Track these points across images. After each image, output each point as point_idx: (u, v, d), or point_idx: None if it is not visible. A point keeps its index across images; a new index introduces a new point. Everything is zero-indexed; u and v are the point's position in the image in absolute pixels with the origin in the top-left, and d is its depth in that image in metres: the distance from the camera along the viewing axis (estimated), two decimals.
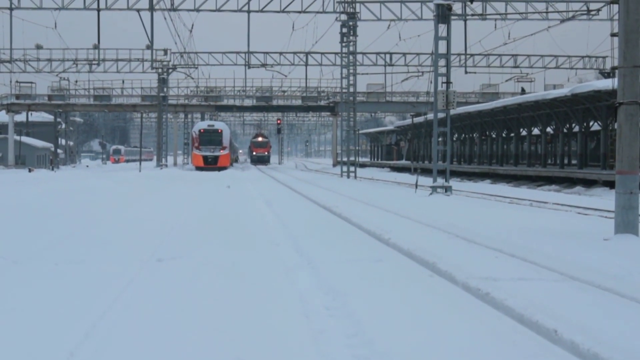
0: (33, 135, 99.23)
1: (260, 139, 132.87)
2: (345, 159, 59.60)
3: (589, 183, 41.10)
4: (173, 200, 28.88)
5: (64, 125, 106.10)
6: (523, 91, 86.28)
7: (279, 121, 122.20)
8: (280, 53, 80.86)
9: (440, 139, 35.67)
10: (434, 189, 32.27)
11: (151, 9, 67.60)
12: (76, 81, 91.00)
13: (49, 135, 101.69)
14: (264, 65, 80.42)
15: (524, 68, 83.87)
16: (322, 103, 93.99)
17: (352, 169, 57.36)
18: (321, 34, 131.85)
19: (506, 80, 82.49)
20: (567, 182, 43.89)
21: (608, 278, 10.81)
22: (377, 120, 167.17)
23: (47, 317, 8.54)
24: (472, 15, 64.16)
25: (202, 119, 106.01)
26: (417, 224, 19.41)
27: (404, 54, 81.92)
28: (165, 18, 61.79)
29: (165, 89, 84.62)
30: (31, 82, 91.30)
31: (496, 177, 54.88)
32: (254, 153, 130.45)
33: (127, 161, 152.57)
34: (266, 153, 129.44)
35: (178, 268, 12.06)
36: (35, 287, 10.41)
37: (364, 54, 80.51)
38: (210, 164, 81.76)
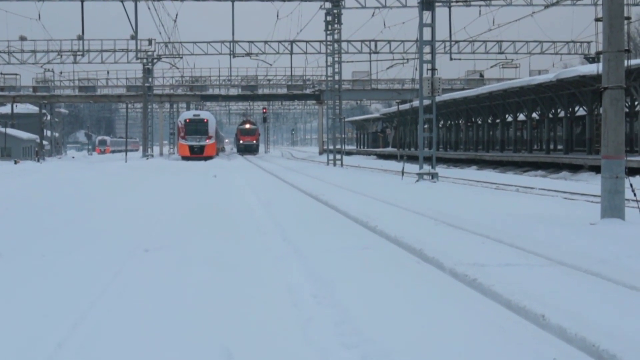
0: (18, 127, 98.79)
1: (247, 126, 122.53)
2: (331, 147, 59.54)
3: (575, 168, 41.21)
4: (159, 191, 28.81)
5: (49, 117, 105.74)
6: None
7: (264, 110, 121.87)
8: (265, 42, 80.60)
9: (426, 126, 35.63)
10: (420, 175, 32.29)
11: None
12: (61, 72, 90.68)
13: (34, 126, 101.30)
14: (248, 54, 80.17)
15: (509, 54, 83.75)
16: (308, 91, 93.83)
17: (338, 157, 57.33)
18: (306, 22, 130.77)
19: (491, 67, 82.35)
20: (553, 168, 43.99)
21: (595, 262, 10.83)
22: (362, 107, 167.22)
23: (34, 308, 8.52)
24: (457, 1, 64.11)
25: (188, 108, 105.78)
26: (403, 210, 19.43)
27: (389, 42, 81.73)
28: (149, 8, 61.46)
29: (150, 79, 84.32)
30: (15, 74, 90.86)
31: (482, 164, 54.96)
32: (241, 142, 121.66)
33: (113, 152, 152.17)
34: (254, 142, 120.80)
35: (165, 258, 12.04)
36: (22, 278, 10.37)
37: (348, 41, 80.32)
38: (197, 154, 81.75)
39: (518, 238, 13.40)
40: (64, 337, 7.41)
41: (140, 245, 13.39)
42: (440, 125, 77.39)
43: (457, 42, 79.76)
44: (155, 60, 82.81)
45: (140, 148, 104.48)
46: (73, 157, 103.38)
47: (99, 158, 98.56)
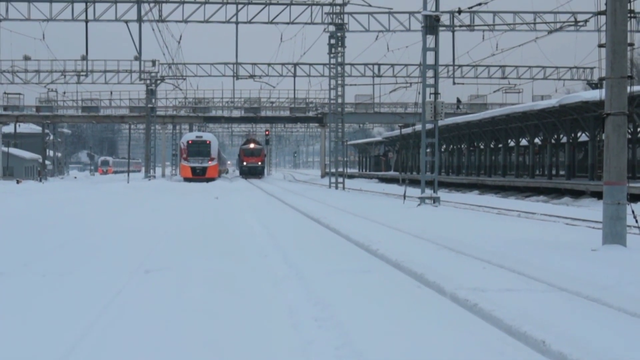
0: (21, 147, 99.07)
1: (252, 145, 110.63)
2: (333, 170, 59.58)
3: (576, 194, 41.18)
4: (161, 212, 28.81)
5: (52, 137, 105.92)
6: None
7: (267, 132, 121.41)
8: (269, 64, 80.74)
9: (428, 150, 35.65)
10: (422, 199, 32.25)
11: (139, 20, 67.40)
12: (64, 92, 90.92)
13: (37, 146, 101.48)
14: (252, 76, 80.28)
15: (512, 79, 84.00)
16: (310, 114, 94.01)
17: (340, 180, 57.31)
18: (309, 45, 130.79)
19: (494, 91, 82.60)
20: (555, 193, 43.97)
21: (596, 289, 10.80)
22: (365, 131, 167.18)
23: (33, 328, 8.50)
24: (460, 26, 64.25)
25: (191, 130, 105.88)
26: (405, 234, 19.39)
27: (392, 65, 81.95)
28: (153, 29, 61.68)
29: (153, 100, 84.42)
30: (19, 94, 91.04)
31: (484, 188, 54.93)
32: (244, 163, 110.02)
33: (115, 172, 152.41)
34: (259, 163, 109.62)
35: (166, 279, 12.02)
36: (22, 298, 10.36)
37: (352, 65, 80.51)
38: (199, 175, 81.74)
39: (519, 263, 13.37)
40: (62, 357, 7.39)
41: (141, 266, 13.38)
42: (442, 150, 77.41)
43: (460, 66, 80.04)
44: (158, 82, 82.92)
45: (143, 169, 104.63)
46: (75, 177, 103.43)
47: (101, 178, 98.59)
